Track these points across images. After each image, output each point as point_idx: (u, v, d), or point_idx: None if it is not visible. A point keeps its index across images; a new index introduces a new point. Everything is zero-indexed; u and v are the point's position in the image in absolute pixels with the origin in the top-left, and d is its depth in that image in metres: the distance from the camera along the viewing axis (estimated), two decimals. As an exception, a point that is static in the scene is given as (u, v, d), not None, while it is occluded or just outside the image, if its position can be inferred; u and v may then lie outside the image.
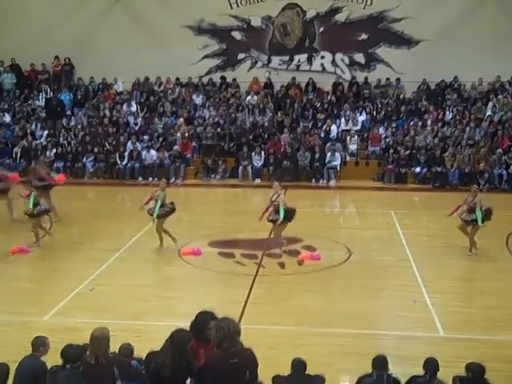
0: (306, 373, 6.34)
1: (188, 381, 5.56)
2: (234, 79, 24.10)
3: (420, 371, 6.43)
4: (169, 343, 5.56)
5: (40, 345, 6.40)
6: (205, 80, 24.35)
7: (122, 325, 8.69)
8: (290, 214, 12.63)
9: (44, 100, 23.89)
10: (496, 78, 22.79)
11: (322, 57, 24.03)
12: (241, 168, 20.82)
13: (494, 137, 20.90)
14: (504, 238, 13.54)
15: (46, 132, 22.67)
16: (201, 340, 5.73)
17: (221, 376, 5.28)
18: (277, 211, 12.55)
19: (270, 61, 24.22)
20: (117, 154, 21.23)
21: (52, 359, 6.38)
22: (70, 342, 6.34)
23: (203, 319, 5.81)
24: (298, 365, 6.32)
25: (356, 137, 21.71)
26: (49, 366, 6.28)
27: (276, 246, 12.88)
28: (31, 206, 13.04)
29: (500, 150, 19.94)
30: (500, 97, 22.21)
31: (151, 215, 12.79)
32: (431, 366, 6.26)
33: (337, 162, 20.63)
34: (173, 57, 23.37)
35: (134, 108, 23.46)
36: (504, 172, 19.45)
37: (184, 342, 5.54)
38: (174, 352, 5.44)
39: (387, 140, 21.58)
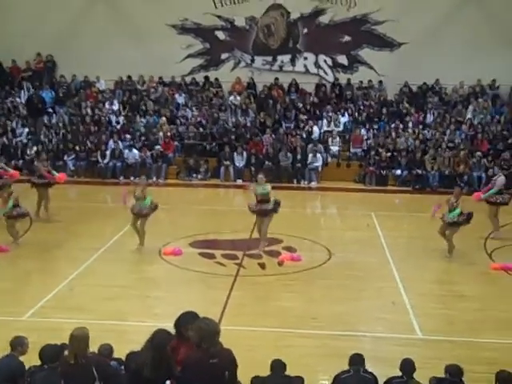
0: (286, 374, 6.38)
1: (168, 382, 5.56)
2: (217, 79, 24.08)
3: (396, 372, 6.50)
4: (149, 344, 5.55)
5: (18, 344, 6.37)
6: (188, 79, 24.31)
7: (102, 325, 8.66)
8: (278, 205, 12.72)
9: (25, 97, 23.69)
10: (477, 81, 23.03)
11: (305, 58, 24.09)
12: (223, 168, 20.81)
13: (473, 140, 21.13)
14: (483, 241, 13.68)
15: (26, 129, 22.47)
16: (182, 339, 5.74)
17: (200, 376, 5.28)
18: (263, 202, 12.58)
19: (253, 61, 24.24)
20: (98, 153, 21.11)
21: (31, 359, 6.35)
22: (49, 341, 6.30)
23: (186, 318, 5.82)
24: (277, 366, 6.36)
25: (338, 138, 21.80)
26: (27, 366, 6.25)
27: (261, 245, 12.90)
28: (10, 207, 12.94)
29: (479, 153, 20.15)
30: (480, 100, 22.44)
31: (136, 214, 12.76)
32: (407, 366, 6.34)
33: (318, 163, 20.70)
34: (156, 55, 23.30)
35: (116, 106, 23.34)
36: (483, 175, 19.64)
37: (164, 343, 5.54)
38: (154, 353, 5.44)
39: (369, 142, 21.71)
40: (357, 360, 6.39)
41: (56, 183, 15.36)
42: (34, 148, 21.31)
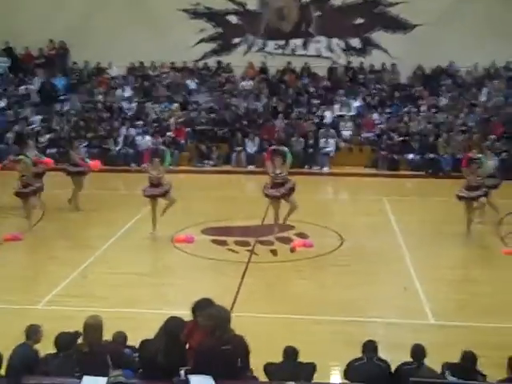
0: (298, 360, 6.41)
1: (182, 372, 5.61)
2: (228, 64, 23.97)
3: (409, 358, 6.51)
4: (162, 331, 5.61)
5: (33, 333, 6.44)
6: (200, 65, 24.23)
7: (115, 313, 8.72)
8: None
9: (38, 84, 23.75)
10: (491, 63, 22.76)
11: (318, 41, 23.92)
12: (234, 154, 20.79)
13: (487, 123, 20.92)
14: (495, 225, 13.60)
15: (39, 117, 22.55)
16: (197, 324, 5.84)
17: (213, 363, 5.33)
18: (280, 185, 12.55)
19: (265, 45, 24.10)
20: (111, 140, 21.16)
21: (45, 347, 6.42)
22: (63, 330, 6.37)
23: (201, 305, 5.90)
24: (290, 352, 6.38)
25: (350, 123, 21.68)
26: (42, 354, 6.32)
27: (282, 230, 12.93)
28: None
29: (493, 136, 19.95)
30: (495, 82, 22.18)
31: (149, 196, 12.86)
32: (418, 352, 6.33)
33: (330, 148, 20.63)
34: (168, 41, 23.19)
35: (128, 93, 23.34)
36: (496, 158, 19.44)
37: (177, 330, 5.60)
38: (167, 339, 5.50)
39: (381, 126, 21.56)
40: (370, 347, 6.40)
41: (91, 171, 15.26)
42: (47, 136, 21.38)
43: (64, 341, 6.15)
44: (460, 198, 12.87)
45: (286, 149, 12.95)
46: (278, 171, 12.65)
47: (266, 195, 12.92)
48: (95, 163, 15.56)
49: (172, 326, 5.61)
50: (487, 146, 17.03)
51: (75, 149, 15.59)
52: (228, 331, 5.45)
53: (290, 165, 12.96)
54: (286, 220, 12.99)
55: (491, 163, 14.05)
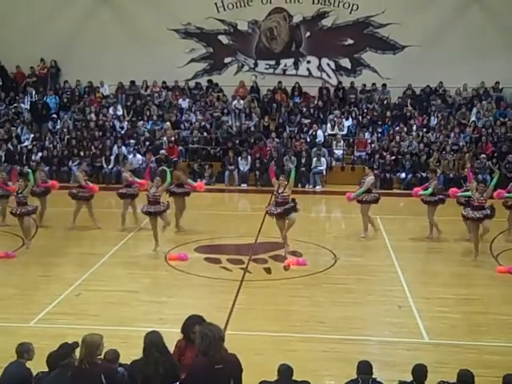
0: (293, 379, 6.37)
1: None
2: (216, 84, 24.11)
3: (404, 377, 6.49)
4: (149, 347, 5.55)
5: (24, 351, 6.38)
6: (191, 84, 24.35)
7: (108, 331, 8.57)
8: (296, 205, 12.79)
9: (29, 103, 23.77)
10: (480, 83, 23.03)
11: (308, 61, 24.15)
12: (227, 173, 20.83)
13: (478, 142, 21.10)
14: (488, 244, 13.65)
15: (31, 135, 22.54)
16: (189, 342, 5.85)
17: (206, 382, 5.29)
18: (281, 204, 12.62)
19: (256, 65, 24.30)
20: (103, 158, 21.16)
21: (37, 366, 6.36)
22: (56, 348, 6.30)
23: (192, 322, 5.90)
24: (285, 371, 6.33)
25: (342, 142, 21.81)
26: (34, 373, 6.26)
27: (285, 246, 12.99)
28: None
29: (484, 156, 20.12)
30: (484, 102, 22.43)
31: (146, 214, 12.99)
32: (419, 373, 6.26)
33: (323, 167, 20.73)
34: (159, 60, 23.39)
35: (120, 112, 23.40)
36: (488, 177, 19.59)
37: (161, 340, 5.59)
38: (162, 358, 5.46)
39: (373, 145, 21.70)
40: (365, 369, 6.30)
41: (194, 191, 15.08)
42: (39, 154, 21.36)
43: (60, 352, 6.10)
44: (466, 218, 12.90)
45: (291, 165, 12.97)
46: (280, 190, 12.71)
47: (267, 212, 13.10)
48: (200, 184, 15.29)
49: (155, 338, 5.60)
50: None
51: (180, 169, 15.55)
52: (221, 350, 5.41)
53: (294, 181, 13.07)
54: (285, 239, 12.99)
55: (369, 179, 14.27)
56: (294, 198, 12.89)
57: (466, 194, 13.64)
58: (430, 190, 13.96)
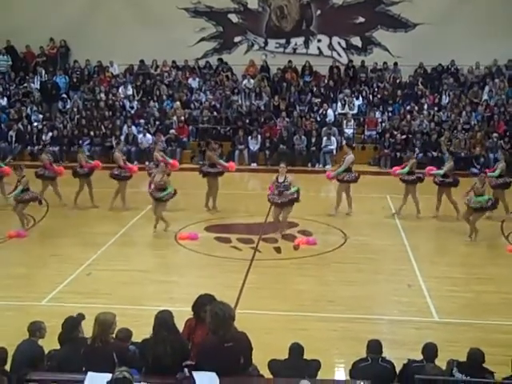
0: (303, 357, 6.40)
1: (186, 369, 5.60)
2: (226, 63, 23.96)
3: (414, 355, 6.51)
4: (157, 326, 5.57)
5: (36, 329, 6.47)
6: (201, 63, 24.24)
7: (119, 309, 8.57)
8: (299, 195, 12.74)
9: (39, 83, 23.76)
10: (493, 61, 22.76)
11: (319, 40, 23.92)
12: (237, 152, 20.79)
13: (490, 121, 20.91)
14: (499, 224, 13.59)
15: (41, 115, 22.56)
16: (199, 320, 5.86)
17: (216, 360, 5.32)
18: (281, 193, 12.57)
19: (266, 44, 24.12)
20: (113, 138, 21.16)
21: (49, 344, 6.43)
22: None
23: (202, 301, 5.91)
24: (296, 349, 6.37)
25: (352, 121, 21.68)
26: (46, 351, 6.33)
27: (279, 229, 12.93)
28: (20, 191, 12.97)
29: (496, 135, 19.95)
30: (496, 81, 22.18)
31: (157, 199, 12.93)
32: (429, 351, 6.30)
33: (333, 147, 20.63)
34: (169, 39, 23.24)
35: (130, 91, 23.34)
36: (499, 156, 19.43)
37: (170, 320, 5.60)
38: (167, 333, 5.48)
39: (383, 124, 21.56)
40: (375, 348, 6.33)
41: (227, 171, 15.19)
42: (49, 134, 21.38)
43: (67, 325, 6.26)
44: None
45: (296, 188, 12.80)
46: (280, 179, 12.66)
47: (268, 200, 13.03)
48: (231, 165, 15.50)
49: (164, 317, 5.61)
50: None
51: (212, 149, 15.43)
52: (231, 328, 5.43)
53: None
54: (282, 230, 12.95)
55: (348, 158, 14.38)
56: (299, 188, 12.81)
57: (439, 172, 13.98)
58: (406, 169, 14.13)
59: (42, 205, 14.84)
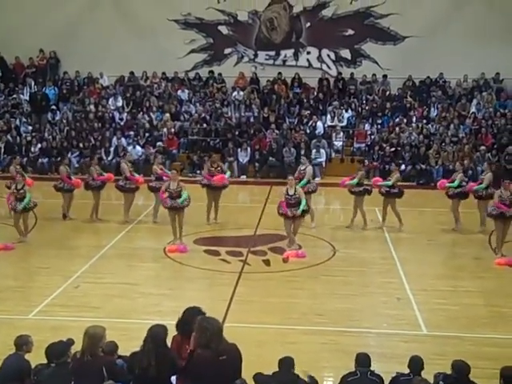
0: (293, 372, 6.37)
1: (173, 378, 5.58)
2: (220, 74, 24.05)
3: (402, 368, 6.50)
4: (148, 339, 5.55)
5: (23, 343, 6.39)
6: (191, 75, 24.29)
7: (107, 323, 8.49)
8: (309, 208, 12.74)
9: (28, 94, 23.70)
10: (480, 74, 22.96)
11: (308, 52, 24.07)
12: (226, 164, 20.72)
13: (477, 134, 21.05)
14: (487, 236, 13.66)
15: (30, 127, 22.49)
16: (186, 335, 5.75)
17: (212, 374, 5.30)
18: (293, 205, 12.46)
19: (256, 56, 24.23)
20: (102, 150, 21.11)
21: (36, 358, 6.37)
22: (54, 340, 6.32)
23: (190, 314, 5.84)
24: (286, 363, 6.31)
25: (341, 133, 21.77)
26: (33, 365, 6.27)
27: (289, 243, 12.88)
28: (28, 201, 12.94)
29: (483, 147, 20.08)
30: (484, 94, 22.37)
31: (170, 209, 12.94)
32: (415, 365, 6.29)
33: (322, 159, 20.70)
34: (159, 51, 23.33)
35: (119, 103, 23.34)
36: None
37: (162, 335, 5.57)
38: (155, 348, 5.45)
39: (372, 137, 21.66)
40: (364, 361, 6.31)
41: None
42: (38, 145, 21.32)
43: (55, 350, 6.11)
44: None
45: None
46: (290, 192, 12.62)
47: (280, 214, 12.75)
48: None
49: (156, 332, 5.58)
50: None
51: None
52: (222, 341, 5.42)
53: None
54: (292, 243, 12.89)
55: (308, 169, 14.63)
56: (306, 200, 12.71)
57: (387, 183, 14.17)
58: (355, 181, 14.33)
59: (67, 218, 14.83)
